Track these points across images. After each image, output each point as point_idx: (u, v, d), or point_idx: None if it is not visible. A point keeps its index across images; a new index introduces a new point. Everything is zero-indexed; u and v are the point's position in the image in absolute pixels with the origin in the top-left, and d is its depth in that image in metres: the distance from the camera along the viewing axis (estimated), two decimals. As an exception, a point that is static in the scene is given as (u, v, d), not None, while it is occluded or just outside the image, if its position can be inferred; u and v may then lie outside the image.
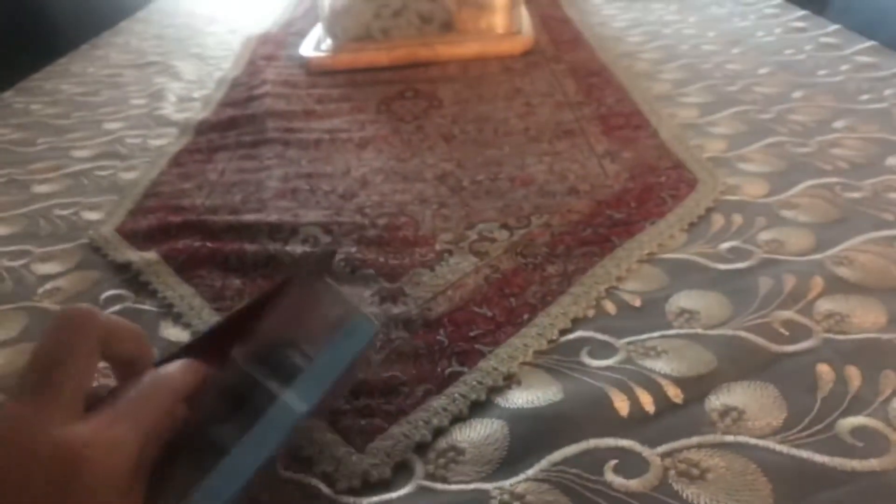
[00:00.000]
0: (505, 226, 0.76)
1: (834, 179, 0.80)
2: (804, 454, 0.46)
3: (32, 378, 0.30)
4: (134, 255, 0.75)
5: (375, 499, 0.46)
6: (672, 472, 0.46)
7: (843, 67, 1.13)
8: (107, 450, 0.28)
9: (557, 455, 0.48)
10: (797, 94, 1.05)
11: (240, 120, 1.14)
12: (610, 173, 0.86)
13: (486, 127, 1.04)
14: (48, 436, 0.27)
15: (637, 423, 0.50)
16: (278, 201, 0.86)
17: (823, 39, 1.27)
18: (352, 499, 0.47)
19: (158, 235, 0.80)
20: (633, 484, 0.45)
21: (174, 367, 0.36)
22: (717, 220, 0.74)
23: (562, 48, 1.38)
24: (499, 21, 1.39)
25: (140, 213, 0.86)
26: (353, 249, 0.73)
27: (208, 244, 0.76)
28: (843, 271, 0.64)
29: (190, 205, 0.87)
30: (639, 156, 0.90)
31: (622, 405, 0.51)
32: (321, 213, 0.81)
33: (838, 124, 0.94)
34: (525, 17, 1.47)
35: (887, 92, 1.02)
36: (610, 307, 0.63)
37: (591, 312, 0.62)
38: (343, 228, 0.77)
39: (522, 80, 1.23)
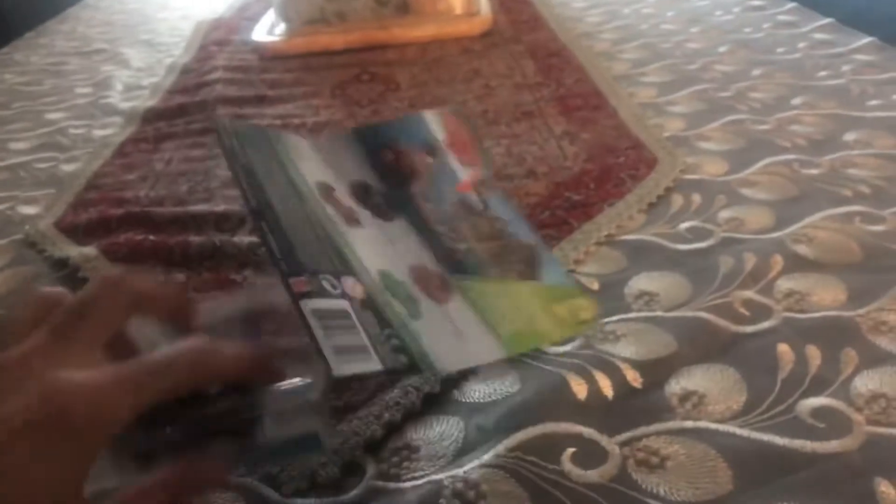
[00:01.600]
0: (462, 210, 0.74)
1: (792, 156, 0.79)
2: (764, 437, 0.45)
3: (57, 320, 0.29)
4: (72, 251, 0.71)
5: (325, 500, 0.44)
6: (631, 461, 0.44)
7: (801, 45, 1.13)
8: (90, 406, 0.26)
9: (513, 440, 0.46)
10: (756, 72, 1.04)
11: (189, 107, 1.10)
12: (568, 155, 0.84)
13: (443, 110, 1.02)
14: (49, 374, 0.27)
15: (596, 409, 0.48)
16: (226, 190, 0.82)
17: (781, 17, 1.27)
18: (299, 501, 0.44)
19: (99, 229, 0.76)
20: (591, 475, 0.43)
21: (230, 345, 0.32)
22: (677, 200, 0.72)
23: (521, 28, 1.36)
24: (456, 2, 1.36)
25: (80, 206, 0.82)
26: (304, 238, 0.71)
27: (151, 237, 0.72)
28: (802, 249, 0.63)
29: (133, 197, 0.83)
30: (598, 136, 0.88)
31: (580, 389, 0.50)
32: (271, 202, 0.78)
33: (797, 101, 0.93)
34: (483, -2, 1.45)
35: (844, 68, 1.02)
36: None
37: (548, 297, 0.60)
38: (293, 217, 0.74)
39: (481, 61, 1.20)
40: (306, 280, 0.36)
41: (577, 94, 1.02)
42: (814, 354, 0.51)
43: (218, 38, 1.46)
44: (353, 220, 0.44)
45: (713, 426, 0.46)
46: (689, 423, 0.47)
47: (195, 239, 0.71)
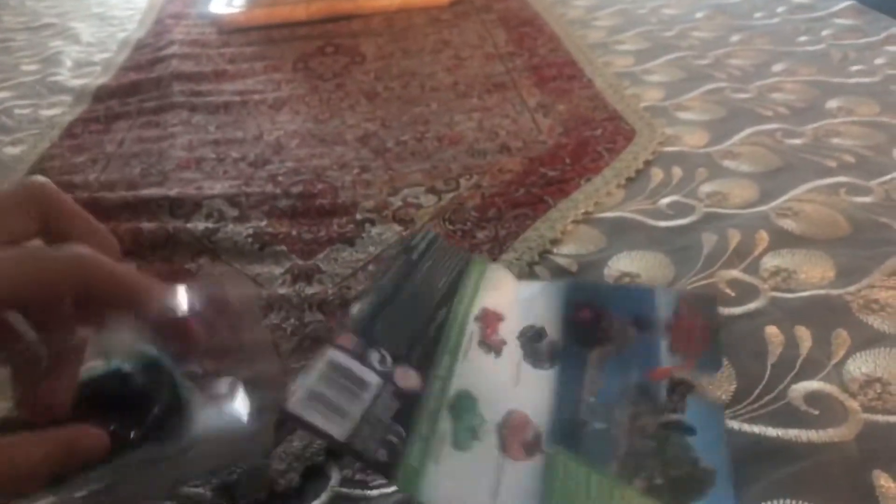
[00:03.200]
0: (432, 189, 0.70)
1: (775, 126, 0.76)
2: (756, 429, 0.42)
3: None
4: (12, 242, 0.66)
5: (285, 510, 0.41)
6: (616, 459, 0.41)
7: (780, 9, 1.09)
8: None
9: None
10: (735, 38, 1.00)
11: (143, 84, 1.04)
12: (543, 128, 0.80)
13: (411, 83, 0.97)
14: None
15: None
16: (181, 173, 0.77)
17: (759, -19, 1.23)
18: (258, 512, 0.41)
19: (43, 217, 0.70)
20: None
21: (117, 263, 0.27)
22: (657, 174, 0.69)
23: (491, -3, 1.31)
24: (425, -31, 1.30)
25: (23, 192, 0.77)
26: (263, 223, 0.66)
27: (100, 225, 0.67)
28: (787, 223, 0.60)
29: (82, 181, 0.78)
30: (573, 108, 0.84)
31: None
32: (228, 184, 0.74)
33: (777, 68, 0.90)
34: (452, -35, 1.39)
35: (824, 33, 0.99)
36: (544, 274, 0.57)
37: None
38: (252, 200, 0.70)
39: (451, 31, 1.16)
40: (353, 339, 0.39)
41: (551, 63, 0.98)
42: (804, 336, 0.49)
43: (174, 11, 1.38)
44: (492, 348, 0.46)
45: (702, 418, 0.43)
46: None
47: (147, 226, 0.66)
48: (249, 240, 0.64)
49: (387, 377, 0.38)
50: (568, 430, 0.42)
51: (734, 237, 0.59)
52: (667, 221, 0.62)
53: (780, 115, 0.78)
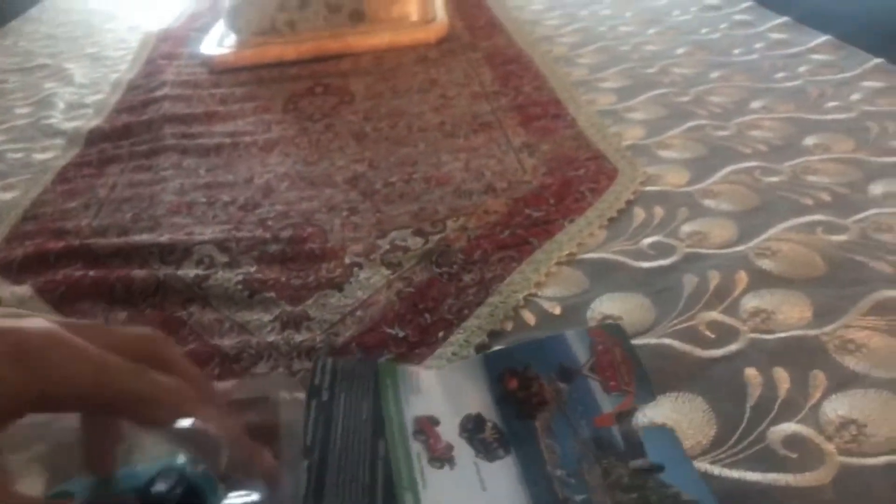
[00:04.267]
0: (419, 232, 0.72)
1: (754, 163, 0.77)
2: (736, 474, 0.43)
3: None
4: (4, 290, 0.67)
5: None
6: (601, 508, 0.42)
7: (758, 45, 1.12)
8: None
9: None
10: (714, 75, 1.03)
11: (135, 127, 1.06)
12: (528, 168, 0.82)
13: (399, 122, 0.99)
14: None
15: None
16: (172, 218, 0.79)
17: (738, 17, 1.26)
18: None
19: (35, 265, 0.71)
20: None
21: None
22: (639, 214, 0.71)
23: (478, 34, 1.34)
24: (412, 8, 1.33)
25: (16, 239, 0.78)
26: (253, 269, 0.67)
27: (91, 273, 0.68)
28: (766, 264, 0.61)
29: (74, 227, 0.79)
30: (557, 147, 0.86)
31: (544, 431, 0.47)
32: (218, 229, 0.75)
33: (756, 104, 0.92)
34: (440, 4, 1.42)
35: (801, 69, 1.01)
36: (529, 317, 0.59)
37: (509, 325, 0.58)
38: (242, 245, 0.71)
39: (438, 70, 1.18)
40: None
41: (536, 102, 1.00)
42: (782, 378, 0.50)
43: (166, 52, 1.41)
44: (444, 460, 0.44)
45: (682, 462, 0.44)
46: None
47: (138, 273, 0.67)
48: (239, 287, 0.65)
49: None
50: None
51: (714, 278, 0.60)
52: (648, 262, 0.63)
53: (758, 153, 0.80)
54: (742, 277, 0.60)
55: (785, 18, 1.20)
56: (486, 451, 0.46)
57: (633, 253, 0.65)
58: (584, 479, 0.43)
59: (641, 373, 0.50)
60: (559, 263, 0.64)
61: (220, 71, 1.27)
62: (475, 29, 1.37)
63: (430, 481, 0.43)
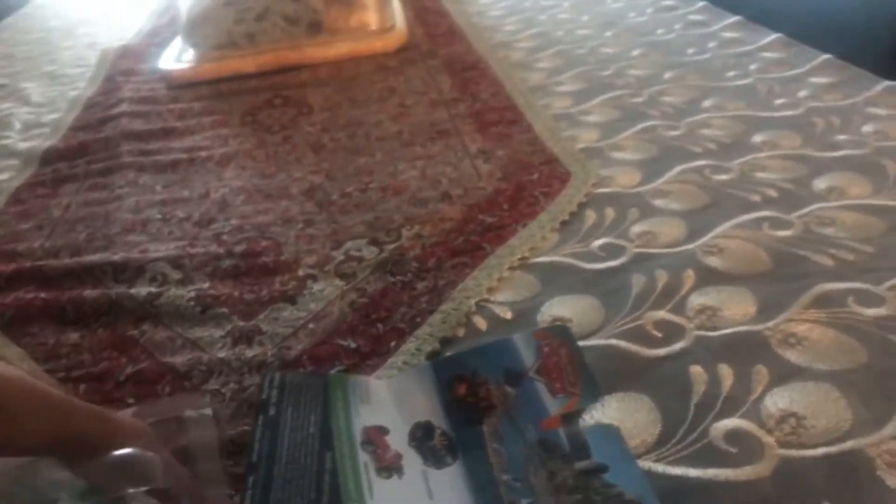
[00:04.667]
0: (374, 241, 0.72)
1: (703, 162, 0.79)
2: (678, 471, 0.44)
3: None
4: (-47, 317, 0.66)
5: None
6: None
7: (711, 45, 1.14)
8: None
9: None
10: (668, 75, 1.04)
11: (91, 145, 1.04)
12: (483, 174, 0.82)
13: (357, 132, 0.99)
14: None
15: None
16: (127, 236, 0.78)
17: (692, 17, 1.28)
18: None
19: (-15, 289, 0.71)
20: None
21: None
22: (590, 216, 0.71)
23: (437, 42, 1.34)
24: (371, 17, 1.33)
25: (-33, 264, 0.77)
26: (206, 285, 0.67)
27: (42, 295, 0.68)
28: (713, 261, 0.62)
29: (27, 249, 0.78)
30: (512, 153, 0.87)
31: (491, 436, 0.48)
32: (173, 246, 0.74)
33: (707, 103, 0.93)
34: (398, 12, 1.42)
35: (752, 67, 1.03)
36: (481, 323, 0.59)
37: (461, 332, 0.58)
38: (195, 261, 0.71)
39: (397, 78, 1.18)
40: None
41: (493, 108, 1.01)
42: (726, 374, 0.50)
43: (125, 68, 1.39)
44: (392, 469, 0.45)
45: (627, 462, 0.45)
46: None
47: (90, 293, 0.67)
48: (192, 303, 0.64)
49: None
50: None
51: (662, 277, 0.61)
52: (598, 264, 0.64)
53: (708, 152, 0.81)
54: (689, 276, 0.61)
55: (737, 17, 1.22)
56: (434, 458, 0.46)
57: (583, 255, 0.66)
58: (530, 482, 0.44)
59: (587, 373, 0.50)
60: (511, 268, 0.65)
61: (179, 86, 1.26)
62: (435, 36, 1.38)
63: (377, 492, 0.43)
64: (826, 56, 1.02)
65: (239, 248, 0.72)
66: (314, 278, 0.67)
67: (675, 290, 0.59)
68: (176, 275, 0.69)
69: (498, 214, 0.73)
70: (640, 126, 0.89)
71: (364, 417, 0.48)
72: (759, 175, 0.75)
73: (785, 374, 0.50)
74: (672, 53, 1.13)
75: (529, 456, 0.45)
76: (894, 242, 0.61)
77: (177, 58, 1.32)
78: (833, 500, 0.41)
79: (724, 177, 0.75)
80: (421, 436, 0.48)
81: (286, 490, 0.42)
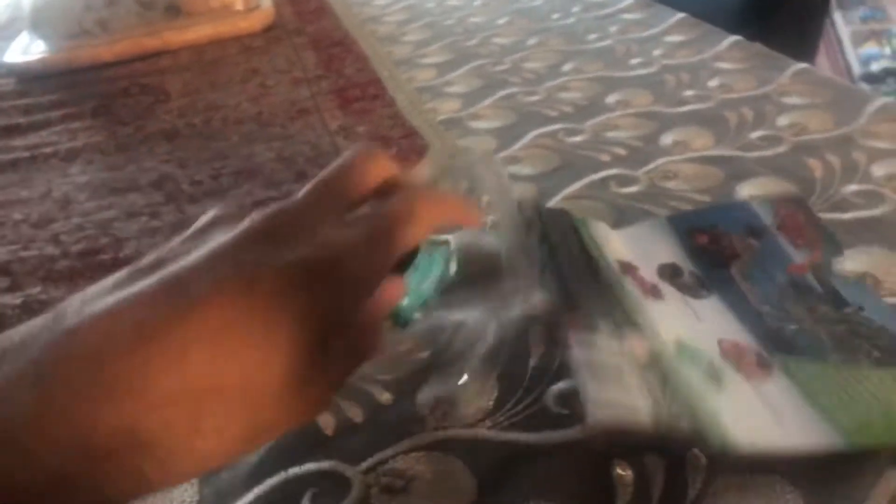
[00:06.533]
0: (224, 230, 0.68)
1: (558, 126, 0.79)
2: (510, 436, 0.43)
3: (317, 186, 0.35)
4: None
5: None
6: (375, 490, 0.41)
7: (575, 8, 1.14)
8: (354, 260, 0.31)
9: (249, 497, 0.42)
10: (532, 42, 1.04)
11: (-77, 149, 0.96)
12: (342, 151, 0.80)
13: (215, 117, 0.95)
14: (319, 229, 0.31)
15: (343, 439, 0.45)
16: (-35, 245, 0.72)
17: (557, -18, 1.29)
18: None
19: None
20: (330, 514, 0.40)
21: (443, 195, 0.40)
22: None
23: (306, 19, 1.30)
24: (233, -3, 1.27)
25: None
26: (37, 289, 0.62)
27: None
28: (560, 222, 0.62)
29: None
30: (373, 128, 0.85)
31: (327, 423, 0.46)
32: (4, 251, 0.69)
33: (567, 67, 0.94)
34: (265, -10, 1.37)
35: (612, 28, 1.04)
36: (327, 305, 0.57)
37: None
38: (27, 266, 0.66)
39: (261, 59, 1.14)
40: (582, 321, 0.39)
41: (357, 83, 0.98)
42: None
43: (-32, 64, 1.29)
44: (655, 294, 0.45)
45: (463, 433, 0.44)
46: (440, 434, 0.44)
47: None
48: (18, 311, 0.60)
49: (623, 351, 0.38)
50: (775, 341, 0.43)
51: (508, 243, 0.60)
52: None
53: (564, 115, 0.81)
54: (535, 239, 0.60)
55: (600, -20, 1.23)
56: (689, 291, 0.47)
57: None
58: (792, 313, 0.45)
59: (829, 232, 0.52)
60: (362, 246, 0.63)
61: (29, 80, 1.18)
62: (304, 14, 1.33)
63: (647, 310, 0.43)
64: (682, 15, 1.04)
65: (76, 248, 0.68)
66: (156, 273, 0.63)
67: (521, 254, 0.59)
68: (4, 282, 0.64)
69: (352, 192, 0.71)
70: (500, 94, 0.89)
71: (613, 254, 0.48)
72: (610, 135, 0.76)
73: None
74: (537, 20, 1.13)
75: (784, 292, 0.46)
76: (730, 191, 0.63)
77: (24, 50, 1.23)
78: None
79: (577, 139, 0.76)
80: (670, 273, 0.48)
81: (582, 289, 0.42)
